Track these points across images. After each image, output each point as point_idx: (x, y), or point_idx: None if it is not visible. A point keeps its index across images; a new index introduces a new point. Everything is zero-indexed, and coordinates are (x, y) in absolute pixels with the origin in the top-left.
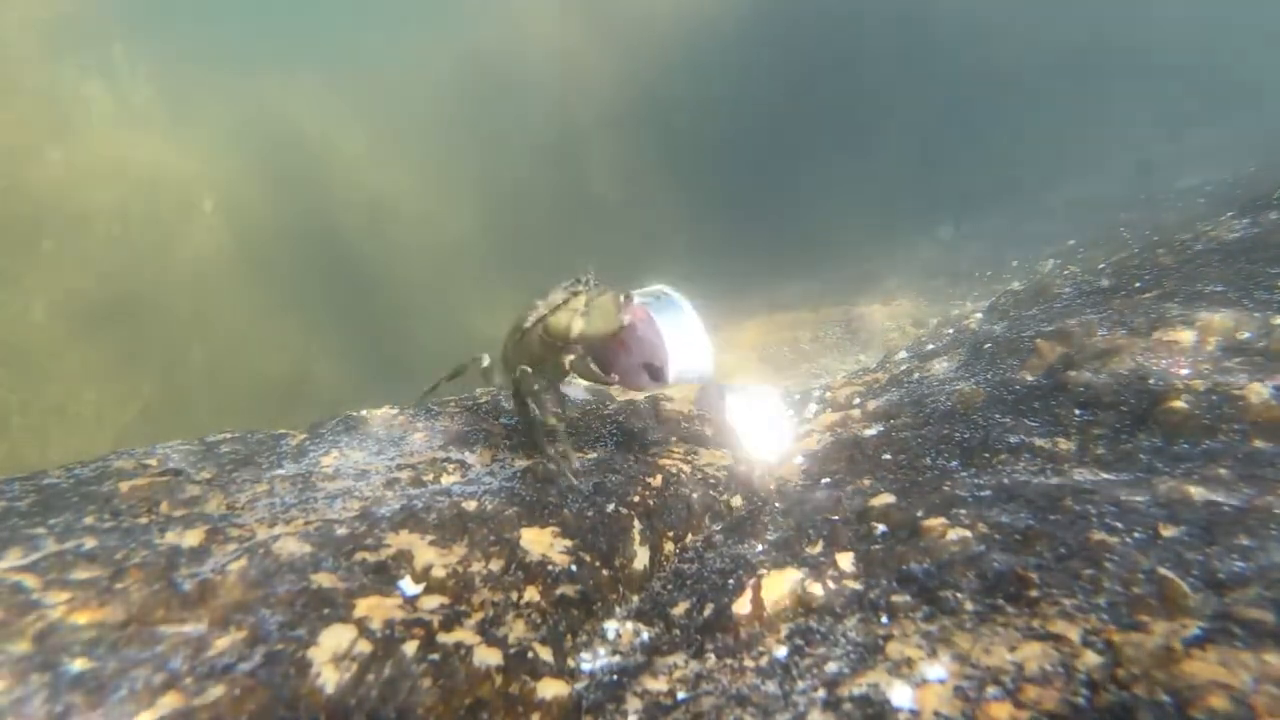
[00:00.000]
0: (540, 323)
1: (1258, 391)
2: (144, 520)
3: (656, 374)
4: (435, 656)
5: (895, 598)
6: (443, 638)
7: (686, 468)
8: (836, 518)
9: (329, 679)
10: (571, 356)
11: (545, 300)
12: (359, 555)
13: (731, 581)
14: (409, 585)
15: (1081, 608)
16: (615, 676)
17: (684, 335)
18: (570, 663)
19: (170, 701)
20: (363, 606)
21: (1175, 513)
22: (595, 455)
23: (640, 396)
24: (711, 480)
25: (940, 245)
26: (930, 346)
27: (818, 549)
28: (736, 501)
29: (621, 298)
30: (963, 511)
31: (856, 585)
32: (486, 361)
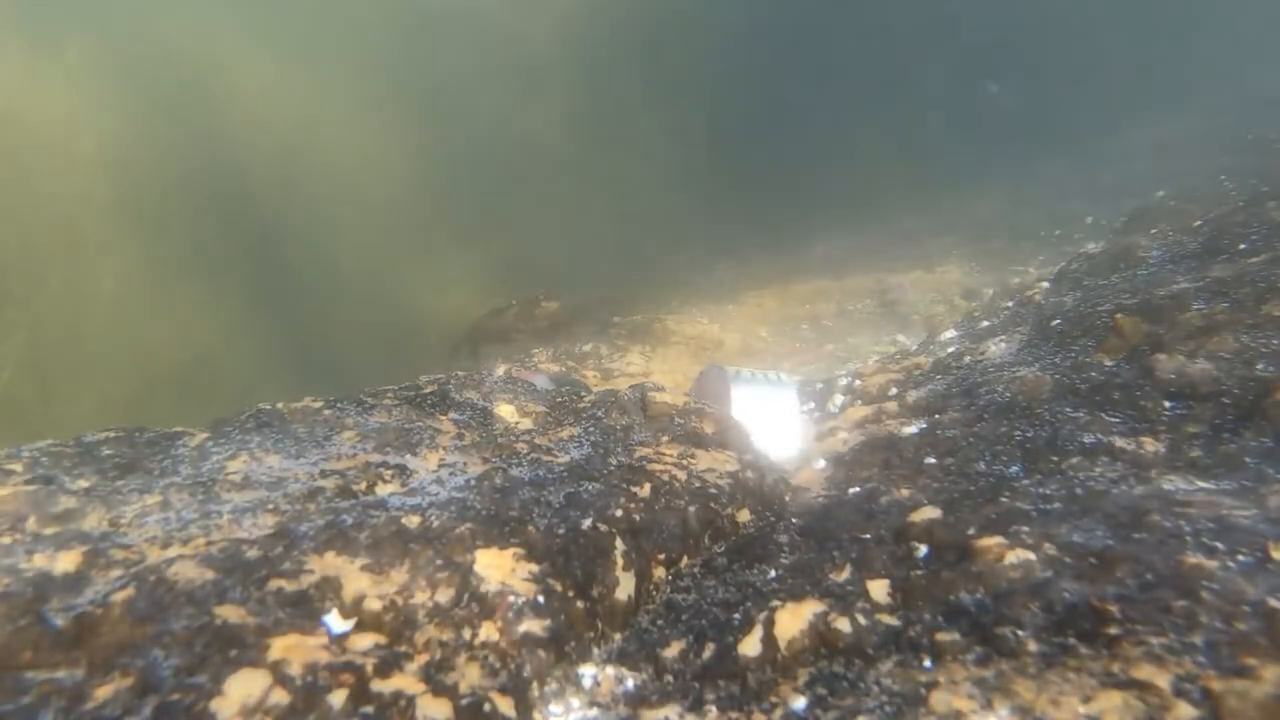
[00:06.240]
0: None
1: None
2: (6, 540)
3: None
4: (369, 709)
5: (941, 636)
6: (378, 686)
7: (681, 474)
8: (868, 536)
9: None
10: None
11: None
12: (274, 583)
13: (737, 616)
14: (336, 621)
15: (1173, 648)
16: None
17: None
18: (536, 717)
19: None
20: (279, 647)
21: None
22: (568, 459)
23: (623, 386)
24: (712, 490)
25: (996, 197)
26: (985, 324)
27: (844, 575)
28: (744, 516)
29: None
30: (1025, 529)
31: (893, 620)
32: None
